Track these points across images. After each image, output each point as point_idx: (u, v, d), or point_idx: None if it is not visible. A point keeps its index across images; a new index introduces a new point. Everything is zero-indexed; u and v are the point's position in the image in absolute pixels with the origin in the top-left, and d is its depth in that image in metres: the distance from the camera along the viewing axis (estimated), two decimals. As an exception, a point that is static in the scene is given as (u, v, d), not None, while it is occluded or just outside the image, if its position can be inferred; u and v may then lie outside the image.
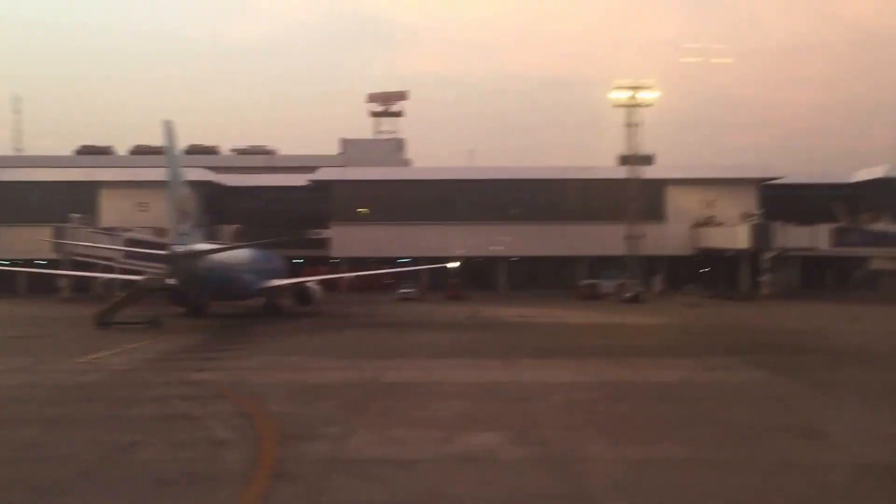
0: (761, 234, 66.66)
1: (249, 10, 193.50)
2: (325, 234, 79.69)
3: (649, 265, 79.84)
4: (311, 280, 55.23)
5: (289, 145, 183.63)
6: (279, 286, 52.96)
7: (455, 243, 76.34)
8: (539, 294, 71.09)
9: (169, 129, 44.39)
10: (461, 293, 67.34)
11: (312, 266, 79.63)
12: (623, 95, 68.91)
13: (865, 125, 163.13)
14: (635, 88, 68.88)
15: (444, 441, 17.63)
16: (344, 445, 17.38)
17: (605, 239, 73.68)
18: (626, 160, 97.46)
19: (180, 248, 43.11)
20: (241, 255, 51.50)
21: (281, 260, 59.61)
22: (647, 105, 69.43)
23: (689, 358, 30.67)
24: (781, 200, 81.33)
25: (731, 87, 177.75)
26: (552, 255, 79.66)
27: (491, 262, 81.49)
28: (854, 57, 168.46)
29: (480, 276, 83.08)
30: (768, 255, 66.49)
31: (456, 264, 60.45)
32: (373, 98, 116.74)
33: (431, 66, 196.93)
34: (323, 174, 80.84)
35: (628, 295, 61.56)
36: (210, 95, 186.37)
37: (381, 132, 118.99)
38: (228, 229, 74.40)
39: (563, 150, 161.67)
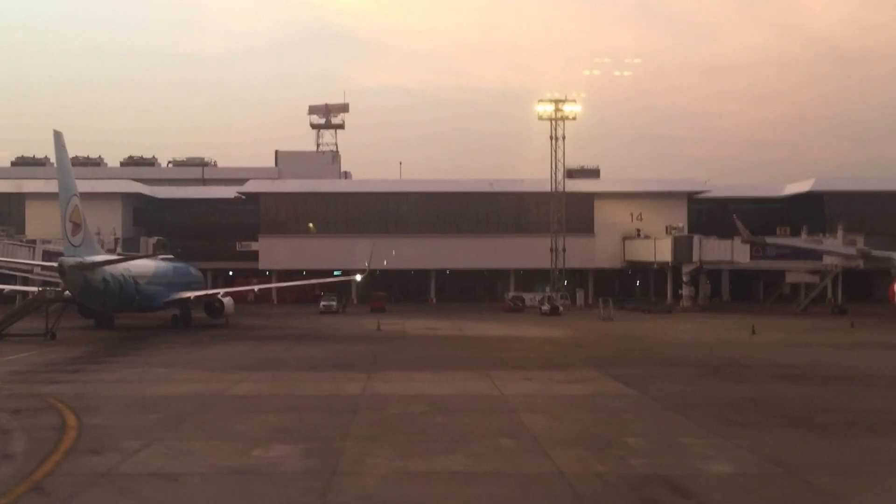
0: (681, 248, 67.51)
1: (208, 23, 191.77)
2: (255, 246, 79.19)
3: (582, 278, 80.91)
4: (220, 292, 54.66)
5: (247, 158, 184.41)
6: (188, 298, 52.36)
7: (382, 255, 76.43)
8: (469, 306, 71.26)
9: (58, 140, 43.74)
10: (384, 305, 67.15)
11: (245, 278, 79.38)
12: (547, 108, 69.41)
13: (830, 139, 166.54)
14: (559, 101, 69.44)
15: (235, 454, 17.36)
16: (129, 460, 17.04)
17: (535, 252, 73.81)
18: (572, 173, 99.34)
19: (70, 260, 42.49)
20: (146, 266, 50.91)
21: (195, 272, 59.01)
22: (572, 118, 69.94)
23: (557, 370, 30.72)
24: (712, 214, 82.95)
25: (692, 101, 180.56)
26: (482, 268, 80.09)
27: (425, 274, 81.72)
28: (814, 73, 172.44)
29: (416, 287, 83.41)
30: (688, 268, 67.25)
31: (358, 277, 60.19)
32: (313, 110, 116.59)
33: (392, 78, 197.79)
34: (251, 186, 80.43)
35: (545, 308, 61.77)
36: (166, 107, 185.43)
37: (322, 144, 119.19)
38: (149, 241, 73.60)
39: (521, 162, 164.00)
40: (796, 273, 65.07)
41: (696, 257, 66.46)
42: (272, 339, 44.84)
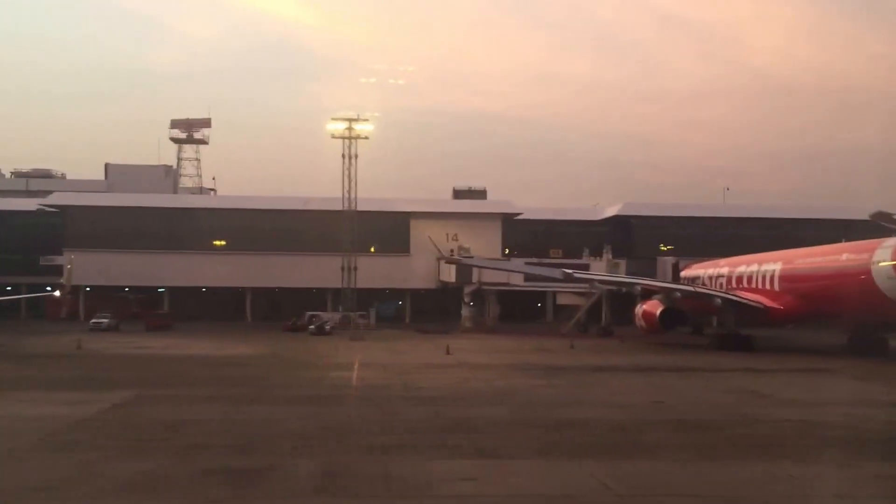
0: (463, 270, 67.51)
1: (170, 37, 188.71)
2: (59, 260, 77.55)
3: (397, 298, 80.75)
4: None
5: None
6: None
7: (185, 271, 75.96)
8: (264, 326, 70.14)
9: None
10: (166, 322, 65.93)
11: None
12: (339, 127, 69.22)
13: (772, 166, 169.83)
14: (352, 120, 69.34)
15: None
16: None
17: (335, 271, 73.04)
18: (459, 193, 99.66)
19: None
20: None
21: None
22: (364, 137, 69.83)
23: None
24: (535, 234, 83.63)
25: (640, 127, 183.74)
26: (290, 287, 79.45)
27: (238, 292, 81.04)
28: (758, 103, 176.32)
29: (236, 305, 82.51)
30: (469, 288, 67.35)
31: (57, 293, 59.18)
32: (175, 124, 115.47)
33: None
34: (56, 199, 78.96)
35: (312, 327, 61.19)
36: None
37: (183, 159, 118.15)
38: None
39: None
40: (565, 295, 65.55)
41: (475, 279, 66.47)
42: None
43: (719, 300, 50.41)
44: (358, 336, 55.84)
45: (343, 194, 70.20)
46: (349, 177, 70.31)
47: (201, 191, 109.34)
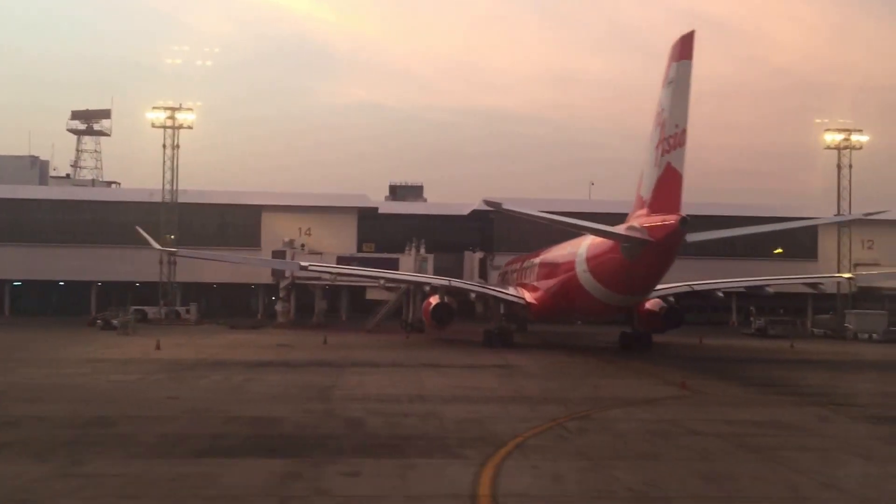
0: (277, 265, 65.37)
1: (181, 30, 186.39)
2: None
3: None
4: None
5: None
6: None
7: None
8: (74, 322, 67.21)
9: None
10: None
11: None
12: (160, 116, 67.56)
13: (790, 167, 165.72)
14: (174, 109, 67.70)
15: None
16: None
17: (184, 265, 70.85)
18: (395, 189, 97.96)
19: None
20: None
21: None
22: (188, 127, 68.14)
23: None
24: (403, 229, 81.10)
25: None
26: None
27: (84, 285, 79.13)
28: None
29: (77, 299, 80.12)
30: (283, 283, 65.24)
31: None
32: (76, 115, 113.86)
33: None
34: None
35: (99, 322, 59.21)
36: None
37: (82, 150, 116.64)
38: None
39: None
40: (375, 290, 63.18)
41: (288, 273, 64.21)
42: None
43: (475, 295, 48.01)
44: (125, 331, 53.69)
45: (163, 185, 68.43)
46: (171, 168, 68.68)
47: (93, 183, 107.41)
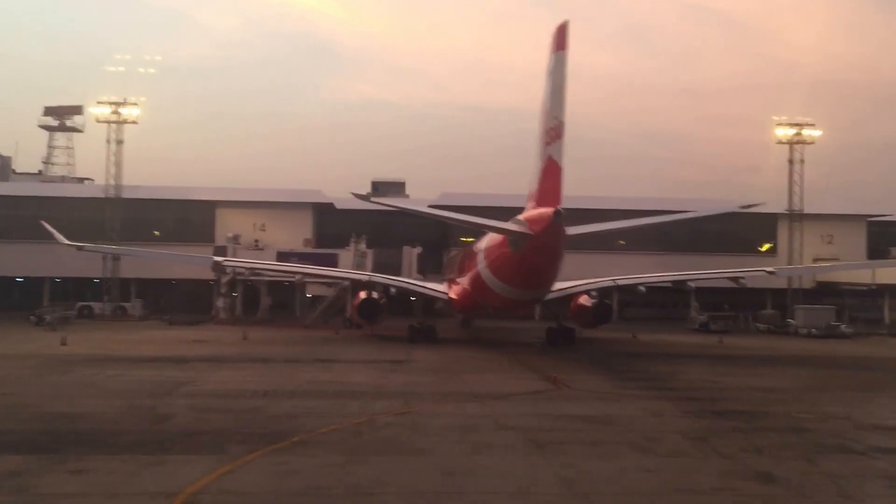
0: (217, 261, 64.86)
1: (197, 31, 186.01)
2: None
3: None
4: None
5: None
6: None
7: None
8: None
9: None
10: None
11: None
12: (105, 111, 67.31)
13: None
14: (118, 104, 67.45)
15: None
16: None
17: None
18: (377, 185, 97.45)
19: None
20: None
21: None
22: (133, 122, 67.89)
23: None
24: (364, 225, 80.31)
25: (669, 122, 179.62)
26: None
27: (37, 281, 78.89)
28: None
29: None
30: (224, 279, 64.83)
31: None
32: (49, 111, 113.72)
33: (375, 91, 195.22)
34: None
35: (33, 318, 58.81)
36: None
37: (54, 147, 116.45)
38: None
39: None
40: (314, 286, 62.73)
41: (229, 269, 63.70)
42: None
43: (394, 290, 47.40)
44: (54, 328, 53.40)
45: (107, 181, 68.22)
46: (115, 163, 68.37)
47: (63, 179, 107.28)
